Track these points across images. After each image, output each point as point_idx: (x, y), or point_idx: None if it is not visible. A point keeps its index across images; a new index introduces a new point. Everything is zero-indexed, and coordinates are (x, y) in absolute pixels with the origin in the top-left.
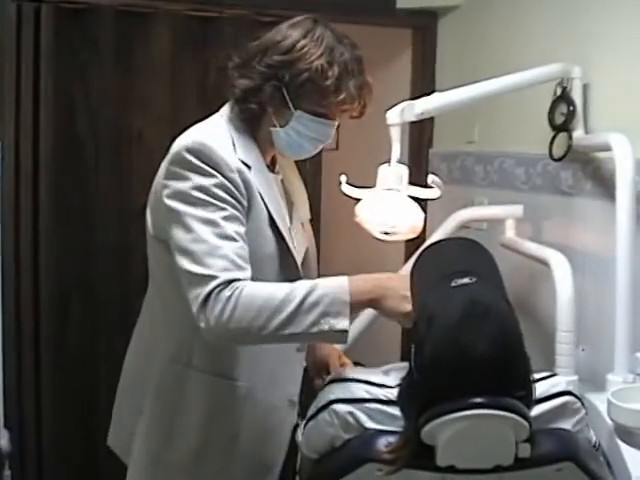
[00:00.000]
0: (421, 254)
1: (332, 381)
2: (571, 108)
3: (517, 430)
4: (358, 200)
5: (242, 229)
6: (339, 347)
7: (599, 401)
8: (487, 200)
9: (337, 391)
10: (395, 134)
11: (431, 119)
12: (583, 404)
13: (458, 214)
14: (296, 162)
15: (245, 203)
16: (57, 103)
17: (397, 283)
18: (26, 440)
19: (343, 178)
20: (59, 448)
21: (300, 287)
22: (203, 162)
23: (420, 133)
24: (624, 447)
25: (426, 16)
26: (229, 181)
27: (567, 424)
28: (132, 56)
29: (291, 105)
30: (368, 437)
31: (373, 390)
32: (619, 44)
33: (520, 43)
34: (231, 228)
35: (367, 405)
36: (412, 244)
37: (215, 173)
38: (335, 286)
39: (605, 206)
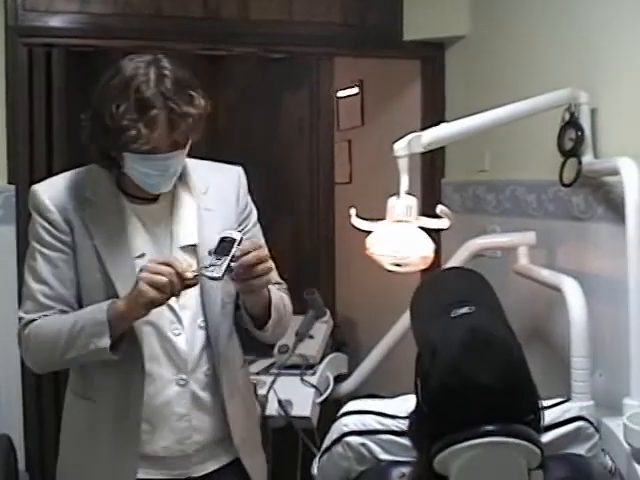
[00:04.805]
0: (419, 287)
1: (345, 413)
2: (579, 133)
3: (529, 457)
4: (369, 232)
5: (58, 266)
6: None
7: (616, 425)
8: (500, 228)
9: (350, 423)
10: (403, 165)
11: (442, 149)
12: (597, 429)
13: (471, 243)
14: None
15: (66, 238)
16: (69, 144)
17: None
18: None
19: (353, 211)
20: None
21: (72, 316)
22: (31, 207)
23: (432, 163)
24: None
25: (433, 47)
26: (47, 221)
27: (581, 449)
28: None
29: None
30: (382, 469)
31: (385, 421)
32: (625, 68)
33: (527, 70)
34: (44, 270)
35: (380, 436)
36: (427, 274)
37: (37, 218)
38: (96, 309)
39: (617, 230)
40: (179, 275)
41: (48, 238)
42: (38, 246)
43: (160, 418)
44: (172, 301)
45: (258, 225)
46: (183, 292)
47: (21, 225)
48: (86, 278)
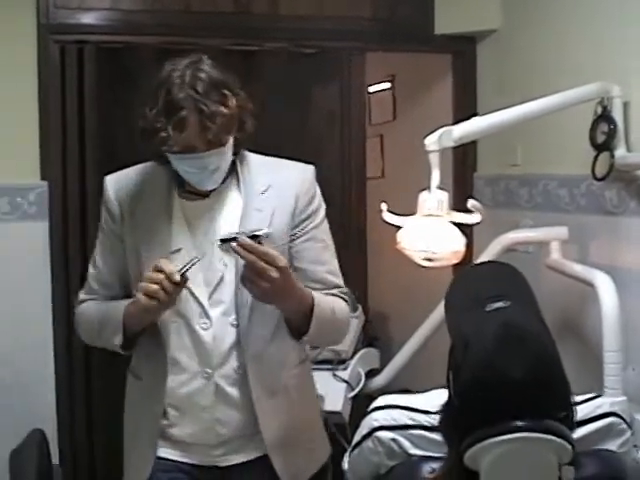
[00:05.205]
0: (455, 280)
1: (375, 408)
2: (612, 127)
3: (560, 453)
4: (401, 227)
5: (109, 254)
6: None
7: None
8: (532, 222)
9: (380, 418)
10: (434, 160)
11: (474, 143)
12: (629, 425)
13: (503, 237)
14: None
15: (119, 229)
16: (102, 140)
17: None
18: (79, 477)
19: (384, 206)
20: None
21: (106, 308)
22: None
23: (463, 157)
24: None
25: (464, 41)
26: (107, 211)
27: (612, 445)
28: None
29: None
30: (412, 464)
31: (416, 416)
32: None
33: (559, 63)
34: (99, 256)
35: (410, 432)
36: (460, 268)
37: (102, 207)
38: (119, 306)
39: None
40: (169, 278)
41: (106, 227)
42: (100, 234)
43: (186, 406)
44: (203, 296)
45: (323, 227)
46: (214, 289)
47: (53, 221)
48: (129, 268)
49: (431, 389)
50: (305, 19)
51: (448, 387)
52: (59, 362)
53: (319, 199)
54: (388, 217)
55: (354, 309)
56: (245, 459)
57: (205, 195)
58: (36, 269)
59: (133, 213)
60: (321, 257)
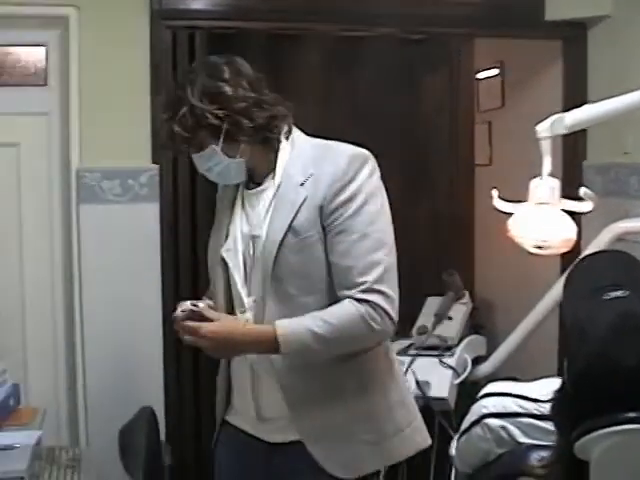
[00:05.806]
0: (573, 267)
1: (485, 395)
2: None
3: None
4: (510, 214)
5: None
6: None
7: None
8: None
9: (490, 405)
10: (546, 147)
11: (584, 131)
12: None
13: (613, 227)
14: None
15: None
16: None
17: None
18: (186, 455)
19: (495, 193)
20: None
21: None
22: None
23: (573, 145)
24: None
25: (575, 27)
26: None
27: None
28: (283, 77)
29: None
30: (521, 451)
31: (526, 404)
32: None
33: None
34: None
35: (520, 419)
36: (568, 257)
37: None
38: None
39: None
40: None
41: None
42: None
43: (238, 383)
44: (240, 283)
45: (361, 218)
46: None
47: (164, 203)
48: None
49: (538, 377)
50: (414, 5)
51: (562, 375)
52: (167, 341)
53: (357, 186)
54: (499, 204)
55: (462, 295)
56: (288, 439)
57: (259, 184)
58: (147, 250)
59: (220, 199)
60: (352, 250)
